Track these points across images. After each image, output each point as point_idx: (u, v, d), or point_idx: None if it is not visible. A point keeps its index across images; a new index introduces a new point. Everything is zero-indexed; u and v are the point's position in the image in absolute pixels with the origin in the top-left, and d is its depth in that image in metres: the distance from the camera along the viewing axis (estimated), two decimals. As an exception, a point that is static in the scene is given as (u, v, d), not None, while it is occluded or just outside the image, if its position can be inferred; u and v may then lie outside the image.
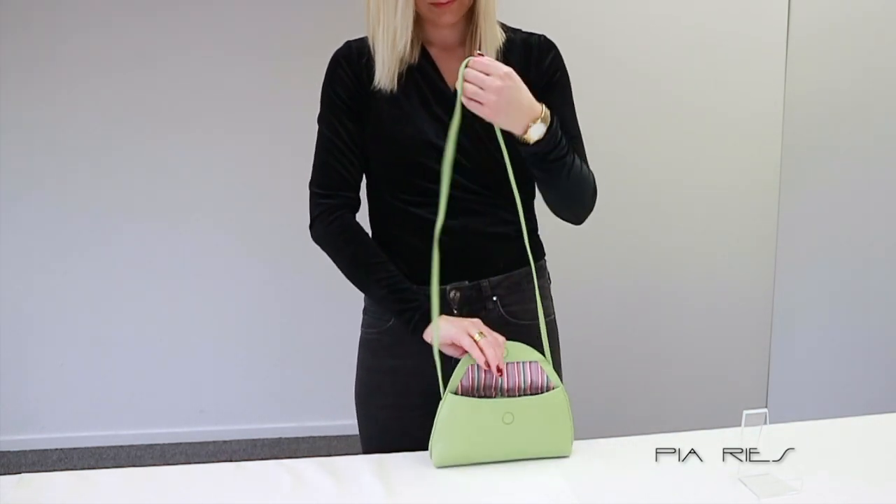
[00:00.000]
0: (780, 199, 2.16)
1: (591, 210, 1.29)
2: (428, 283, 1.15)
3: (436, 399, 1.14)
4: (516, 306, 1.28)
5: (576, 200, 1.26)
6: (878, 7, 2.12)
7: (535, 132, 1.10)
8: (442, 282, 1.20)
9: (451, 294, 1.24)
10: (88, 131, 2.68)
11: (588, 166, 1.25)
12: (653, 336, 2.17)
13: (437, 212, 1.15)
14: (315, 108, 1.34)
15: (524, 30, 1.30)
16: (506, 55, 1.22)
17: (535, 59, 1.25)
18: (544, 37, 1.29)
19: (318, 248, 1.29)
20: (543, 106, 1.12)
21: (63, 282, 2.74)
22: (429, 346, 1.14)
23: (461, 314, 1.23)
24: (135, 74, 2.68)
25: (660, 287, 2.15)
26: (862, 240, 2.24)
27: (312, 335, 2.89)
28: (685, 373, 2.19)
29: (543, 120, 1.11)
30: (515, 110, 1.09)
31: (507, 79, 1.07)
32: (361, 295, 1.32)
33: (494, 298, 1.27)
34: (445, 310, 1.23)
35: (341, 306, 2.83)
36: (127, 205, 2.73)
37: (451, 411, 1.11)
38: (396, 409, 1.28)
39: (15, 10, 2.58)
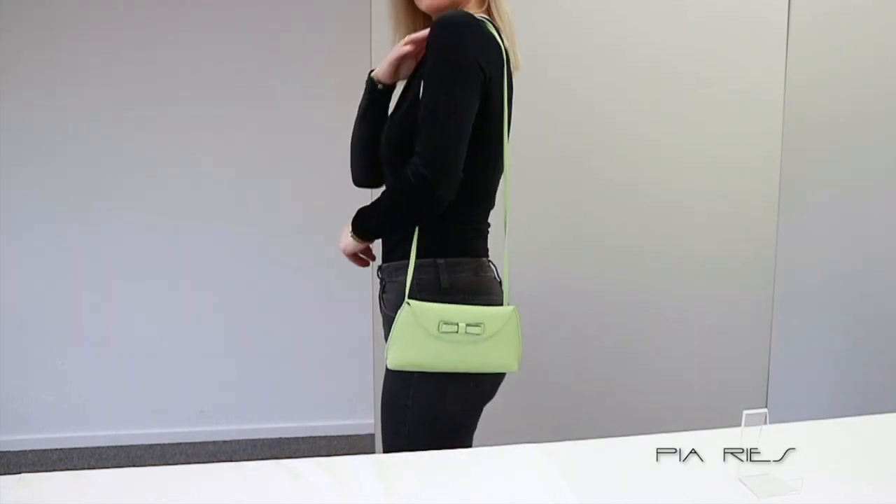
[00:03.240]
0: (780, 198, 2.16)
1: (413, 213, 1.26)
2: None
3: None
4: (384, 294, 1.36)
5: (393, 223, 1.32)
6: None
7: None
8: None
9: (378, 273, 1.40)
10: (89, 131, 2.68)
11: (416, 161, 1.20)
12: (653, 336, 2.17)
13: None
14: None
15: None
16: None
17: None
18: (450, 13, 1.25)
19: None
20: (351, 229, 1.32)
21: (63, 282, 2.74)
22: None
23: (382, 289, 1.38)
24: (136, 74, 2.69)
25: (659, 286, 2.15)
26: (862, 239, 2.24)
27: (312, 335, 2.89)
28: (685, 373, 2.19)
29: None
30: None
31: None
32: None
33: (383, 283, 1.38)
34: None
35: (342, 307, 2.85)
36: (127, 205, 2.73)
37: (413, 316, 1.22)
38: None
39: (16, 9, 2.58)
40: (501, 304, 1.31)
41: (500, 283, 1.35)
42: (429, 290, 1.26)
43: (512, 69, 1.33)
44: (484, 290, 1.30)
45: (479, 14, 1.29)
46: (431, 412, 1.28)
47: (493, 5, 1.31)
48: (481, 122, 1.23)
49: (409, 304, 1.23)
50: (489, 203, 1.36)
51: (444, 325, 1.22)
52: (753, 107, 2.11)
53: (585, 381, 2.14)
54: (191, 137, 2.74)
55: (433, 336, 1.22)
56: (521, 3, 1.95)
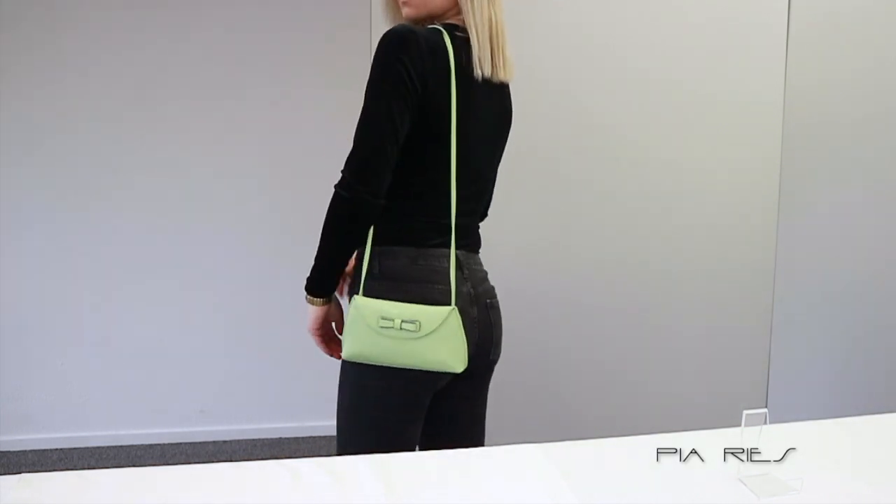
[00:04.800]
0: (780, 198, 2.16)
1: (348, 221, 1.30)
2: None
3: None
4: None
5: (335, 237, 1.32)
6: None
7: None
8: None
9: None
10: (89, 131, 2.69)
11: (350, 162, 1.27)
12: (653, 336, 2.17)
13: None
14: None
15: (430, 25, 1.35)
16: None
17: None
18: (389, 29, 1.30)
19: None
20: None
21: (63, 282, 2.74)
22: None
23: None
24: (137, 75, 2.69)
25: (659, 286, 2.15)
26: (862, 240, 2.24)
27: (312, 335, 2.89)
28: (686, 373, 2.19)
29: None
30: None
31: None
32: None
33: None
34: None
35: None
36: (127, 205, 2.73)
37: (357, 311, 1.28)
38: None
39: (16, 9, 2.58)
40: (444, 297, 1.31)
41: (484, 277, 1.40)
42: (363, 274, 1.32)
43: (491, 75, 1.34)
44: (419, 279, 1.31)
45: (442, 23, 1.33)
46: (351, 394, 1.37)
47: (467, 17, 1.32)
48: (422, 129, 1.28)
49: (355, 299, 1.30)
50: (444, 199, 1.34)
51: (382, 321, 1.27)
52: (753, 107, 2.11)
53: (586, 381, 2.14)
54: (191, 138, 2.74)
55: (374, 330, 1.28)
56: (521, 4, 1.95)
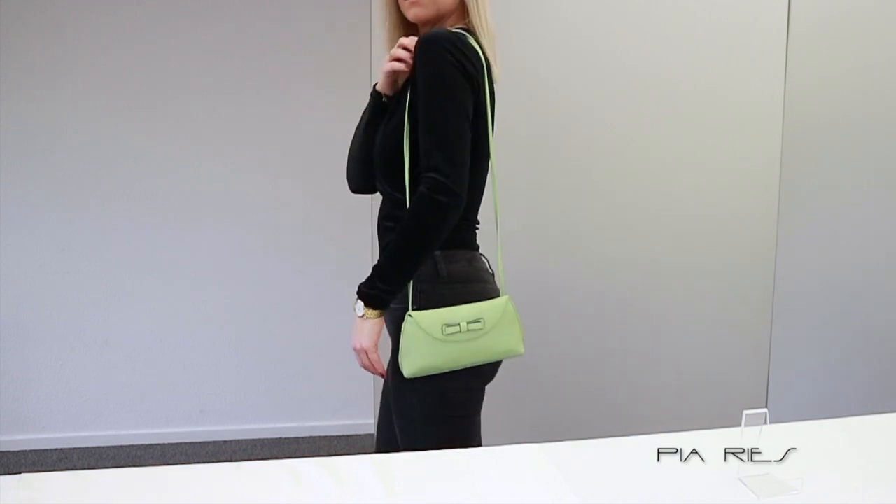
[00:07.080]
0: (780, 198, 2.16)
1: (442, 227, 1.29)
2: None
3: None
4: None
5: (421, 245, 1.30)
6: None
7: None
8: None
9: None
10: (89, 131, 2.68)
11: (435, 170, 1.26)
12: (653, 336, 2.17)
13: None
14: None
15: (456, 27, 1.37)
16: None
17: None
18: (430, 32, 1.33)
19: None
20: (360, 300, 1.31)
21: (63, 282, 2.74)
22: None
23: None
24: (138, 74, 2.69)
25: (660, 286, 2.15)
26: (862, 239, 2.24)
27: (312, 335, 2.89)
28: (685, 373, 2.19)
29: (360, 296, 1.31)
30: None
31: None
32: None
33: None
34: None
35: (341, 306, 2.84)
36: (127, 204, 2.73)
37: (415, 326, 1.27)
38: None
39: (16, 9, 2.58)
40: (496, 293, 1.38)
41: (493, 274, 1.43)
42: (429, 280, 1.32)
43: (495, 76, 1.39)
44: (478, 279, 1.37)
45: (459, 27, 1.36)
46: (437, 392, 1.34)
47: (474, 18, 1.36)
48: (472, 128, 1.32)
49: (411, 315, 1.29)
50: (479, 199, 1.43)
51: (447, 328, 1.28)
52: (753, 107, 2.11)
53: (586, 381, 2.14)
54: (191, 137, 2.74)
55: (439, 340, 1.27)
56: (524, 6, 1.95)
